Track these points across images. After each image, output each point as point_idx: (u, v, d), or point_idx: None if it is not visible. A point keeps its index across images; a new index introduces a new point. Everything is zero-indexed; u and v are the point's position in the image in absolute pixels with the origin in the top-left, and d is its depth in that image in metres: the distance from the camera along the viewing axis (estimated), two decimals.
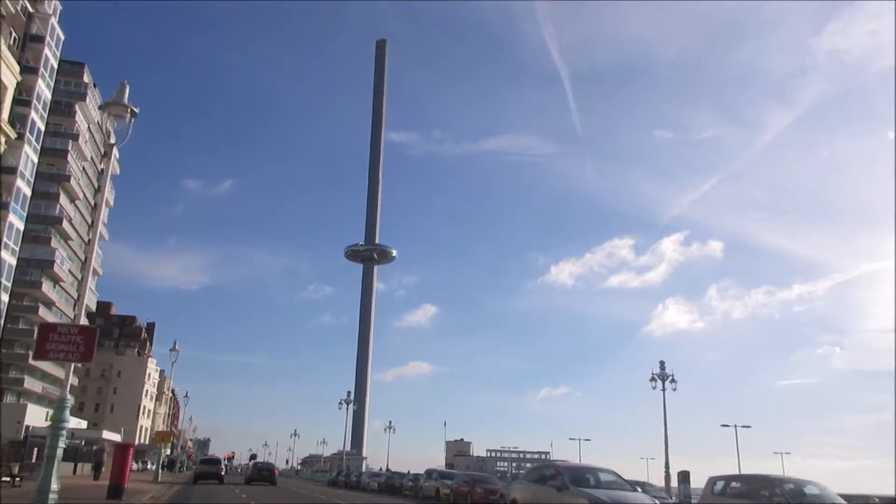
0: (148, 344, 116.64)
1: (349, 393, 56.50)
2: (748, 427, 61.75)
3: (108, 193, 77.31)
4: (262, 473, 43.83)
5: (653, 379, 33.21)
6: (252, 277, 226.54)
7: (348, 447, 57.48)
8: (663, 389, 32.62)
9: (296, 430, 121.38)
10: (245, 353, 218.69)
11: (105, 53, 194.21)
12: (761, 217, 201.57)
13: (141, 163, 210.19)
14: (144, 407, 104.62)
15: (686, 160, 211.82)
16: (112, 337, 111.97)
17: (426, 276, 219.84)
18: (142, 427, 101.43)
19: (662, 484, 30.46)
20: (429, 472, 33.70)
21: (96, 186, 73.54)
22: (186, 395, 66.94)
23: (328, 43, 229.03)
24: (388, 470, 62.37)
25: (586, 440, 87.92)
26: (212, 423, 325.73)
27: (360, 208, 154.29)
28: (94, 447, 32.47)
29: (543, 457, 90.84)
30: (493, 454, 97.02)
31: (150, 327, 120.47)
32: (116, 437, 75.06)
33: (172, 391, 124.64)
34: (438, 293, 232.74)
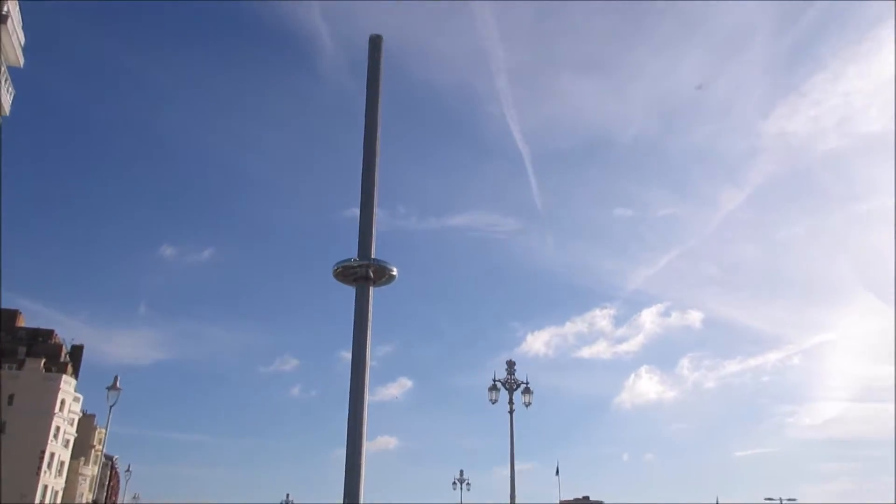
0: (71, 370, 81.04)
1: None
2: None
3: (4, 89, 53.85)
4: None
5: None
6: (212, 354, 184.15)
7: None
8: None
9: (288, 496, 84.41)
10: (203, 433, 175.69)
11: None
12: (715, 291, 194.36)
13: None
14: (53, 456, 71.42)
15: (643, 237, 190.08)
16: (16, 357, 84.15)
17: (399, 350, 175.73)
18: (48, 489, 69.62)
19: None
20: None
21: None
22: (112, 404, 31.02)
23: (298, 119, 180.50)
24: None
25: None
26: None
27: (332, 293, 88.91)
28: None
29: None
30: None
31: (77, 351, 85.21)
32: None
33: (110, 458, 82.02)
34: (411, 367, 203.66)
